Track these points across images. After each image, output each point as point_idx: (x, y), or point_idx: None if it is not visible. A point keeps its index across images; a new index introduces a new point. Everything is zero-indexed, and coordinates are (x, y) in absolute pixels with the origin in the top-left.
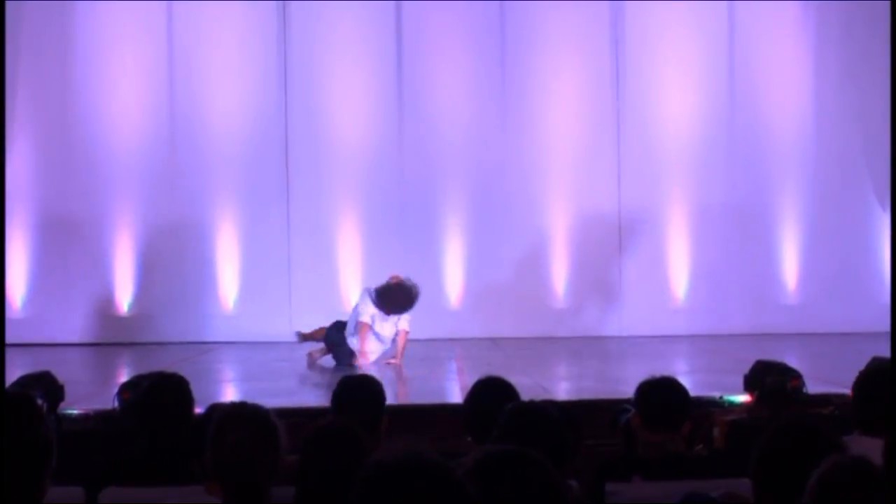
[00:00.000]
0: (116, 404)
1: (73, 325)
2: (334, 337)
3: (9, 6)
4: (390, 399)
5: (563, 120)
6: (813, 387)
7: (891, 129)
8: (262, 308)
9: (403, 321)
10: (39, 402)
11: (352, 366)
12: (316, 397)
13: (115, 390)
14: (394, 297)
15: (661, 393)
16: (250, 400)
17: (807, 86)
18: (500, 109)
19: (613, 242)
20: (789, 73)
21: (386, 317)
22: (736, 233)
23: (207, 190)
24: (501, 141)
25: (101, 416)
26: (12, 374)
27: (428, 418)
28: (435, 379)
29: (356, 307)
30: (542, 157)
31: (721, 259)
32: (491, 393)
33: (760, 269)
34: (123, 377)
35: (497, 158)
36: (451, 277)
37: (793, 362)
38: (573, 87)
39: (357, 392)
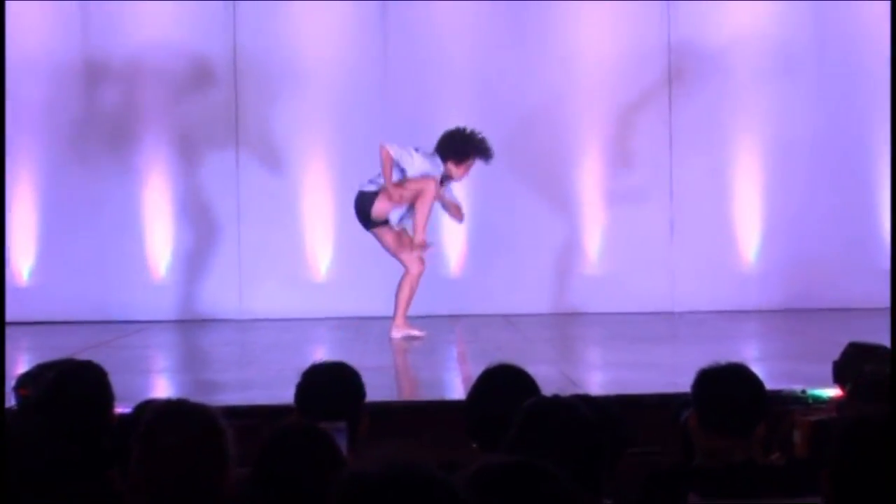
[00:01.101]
0: (13, 402)
1: None
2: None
3: None
4: (372, 393)
5: (596, 36)
6: None
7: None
8: (203, 277)
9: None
10: None
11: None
12: (275, 392)
13: (11, 385)
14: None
15: (726, 385)
16: (189, 396)
17: None
18: (515, 22)
19: (663, 194)
20: None
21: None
22: (823, 177)
23: (131, 126)
24: (517, 63)
25: None
26: None
27: (422, 419)
28: (430, 368)
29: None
30: (568, 84)
31: (803, 211)
32: (502, 386)
33: (854, 225)
34: (22, 367)
35: (511, 86)
36: (451, 238)
37: None
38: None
39: (328, 385)
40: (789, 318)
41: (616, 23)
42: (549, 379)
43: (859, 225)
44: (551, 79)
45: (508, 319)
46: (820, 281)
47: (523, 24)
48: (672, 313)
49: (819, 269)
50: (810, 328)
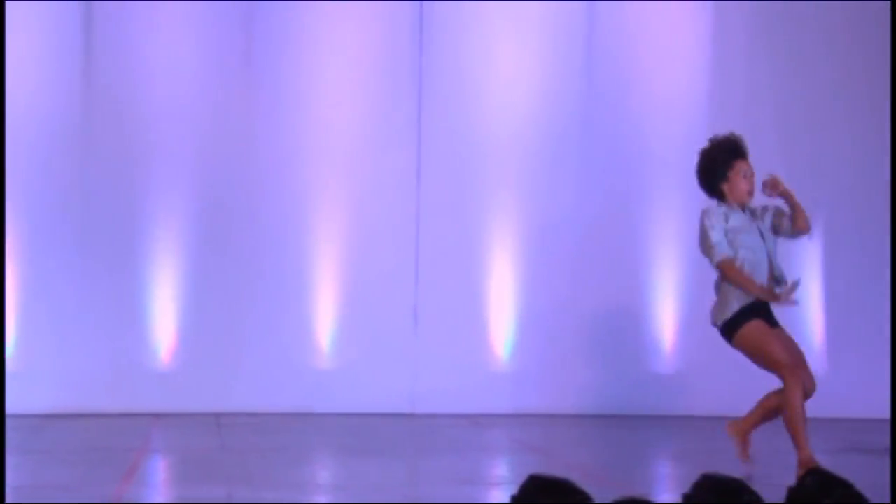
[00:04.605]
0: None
1: None
2: None
3: None
4: None
5: (338, 90)
6: None
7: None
8: None
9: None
10: None
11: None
12: None
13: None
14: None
15: None
16: None
17: (703, 53)
18: (243, 78)
19: (408, 272)
20: (679, 32)
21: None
22: (588, 264)
23: None
24: (245, 126)
25: None
26: None
27: None
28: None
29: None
30: (307, 147)
31: (565, 302)
32: None
33: (625, 317)
34: None
35: (237, 148)
36: (161, 325)
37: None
38: (356, 38)
39: None
40: (536, 426)
41: (357, 73)
42: None
43: (629, 318)
44: (282, 151)
45: (219, 420)
46: (582, 384)
47: (252, 82)
48: (411, 415)
49: (585, 370)
50: (559, 442)
